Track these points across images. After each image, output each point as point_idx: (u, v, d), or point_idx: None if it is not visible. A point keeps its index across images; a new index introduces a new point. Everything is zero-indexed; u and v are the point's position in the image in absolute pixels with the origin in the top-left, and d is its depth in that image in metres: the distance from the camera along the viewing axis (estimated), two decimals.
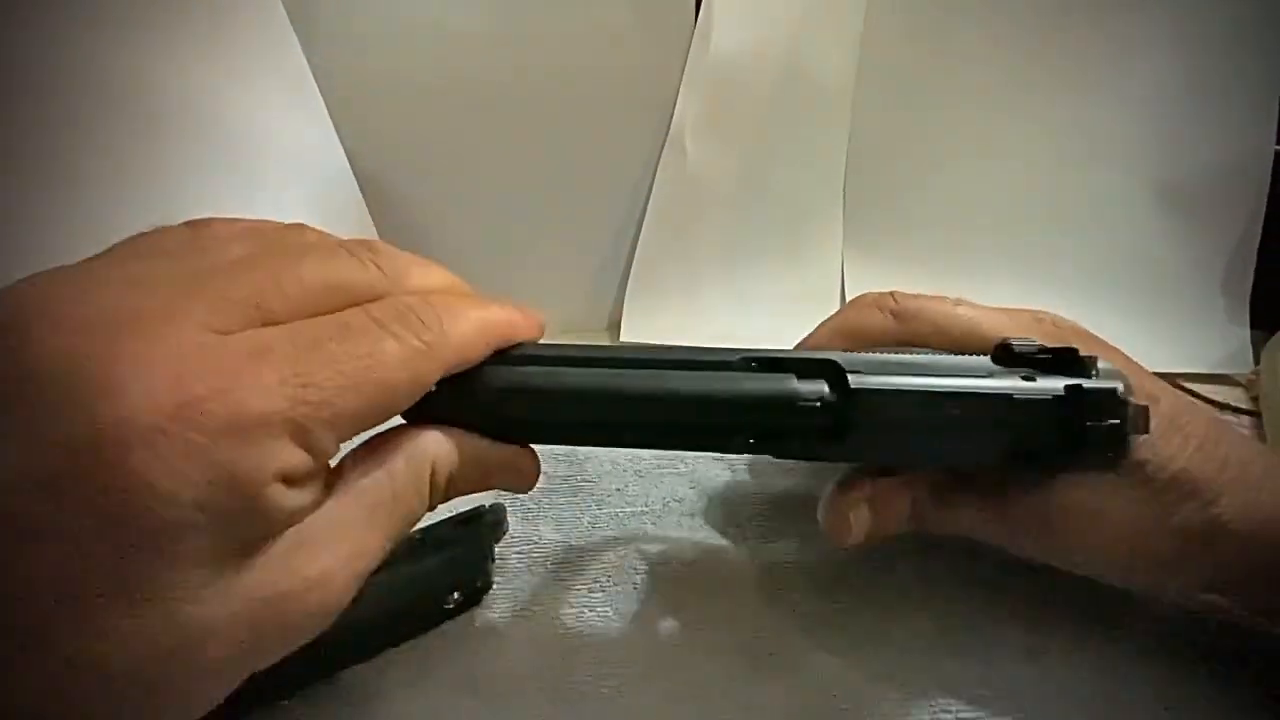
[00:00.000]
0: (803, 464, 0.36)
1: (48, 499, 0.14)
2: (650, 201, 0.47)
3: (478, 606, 0.30)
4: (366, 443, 0.20)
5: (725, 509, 0.34)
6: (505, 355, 0.22)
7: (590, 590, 0.30)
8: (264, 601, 0.16)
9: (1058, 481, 0.24)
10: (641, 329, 0.47)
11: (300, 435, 0.16)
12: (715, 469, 0.37)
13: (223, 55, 0.36)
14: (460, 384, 0.21)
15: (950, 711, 0.26)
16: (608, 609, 0.30)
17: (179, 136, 0.34)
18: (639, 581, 0.31)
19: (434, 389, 0.20)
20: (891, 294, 0.28)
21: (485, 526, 0.31)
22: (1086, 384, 0.22)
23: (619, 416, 0.23)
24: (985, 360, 0.23)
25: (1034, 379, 0.22)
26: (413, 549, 0.30)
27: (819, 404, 0.22)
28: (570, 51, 0.44)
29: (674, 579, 0.31)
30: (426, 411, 0.20)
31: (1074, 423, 0.22)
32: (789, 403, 0.22)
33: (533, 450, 0.24)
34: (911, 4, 0.48)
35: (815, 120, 0.49)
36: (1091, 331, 0.27)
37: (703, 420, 0.23)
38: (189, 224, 0.19)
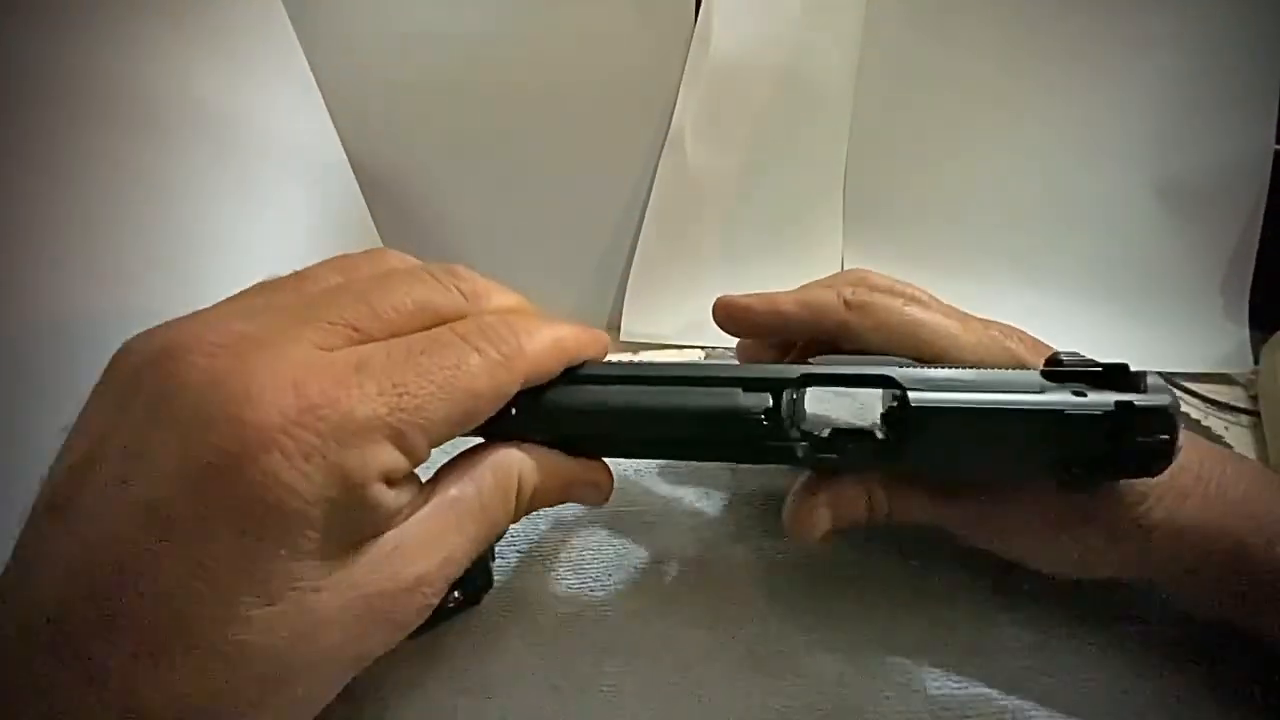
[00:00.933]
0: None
1: (197, 496, 0.16)
2: (650, 201, 0.47)
3: (477, 605, 0.30)
4: (455, 458, 0.22)
5: (725, 509, 0.34)
6: (573, 374, 0.24)
7: (590, 589, 0.30)
8: (370, 597, 0.18)
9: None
10: (641, 329, 0.47)
11: (398, 438, 0.18)
12: (715, 468, 0.37)
13: (223, 55, 0.36)
14: (536, 403, 0.23)
15: (951, 710, 0.26)
16: (608, 608, 0.30)
17: (179, 135, 0.34)
18: (639, 581, 0.31)
19: (513, 411, 0.21)
20: (864, 278, 0.29)
21: None
22: (1138, 400, 0.22)
23: (677, 432, 0.24)
24: (1035, 375, 0.23)
25: (1084, 394, 0.22)
26: None
27: (763, 416, 0.23)
28: (570, 51, 0.44)
29: (674, 578, 0.31)
30: (506, 430, 0.22)
31: (1125, 437, 0.22)
32: (734, 416, 0.23)
33: (606, 464, 0.25)
34: (911, 3, 0.48)
35: (815, 120, 0.49)
36: (1042, 340, 0.28)
37: (667, 434, 0.24)
38: (293, 273, 0.22)
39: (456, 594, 0.29)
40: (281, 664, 0.17)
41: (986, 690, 0.26)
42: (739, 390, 0.23)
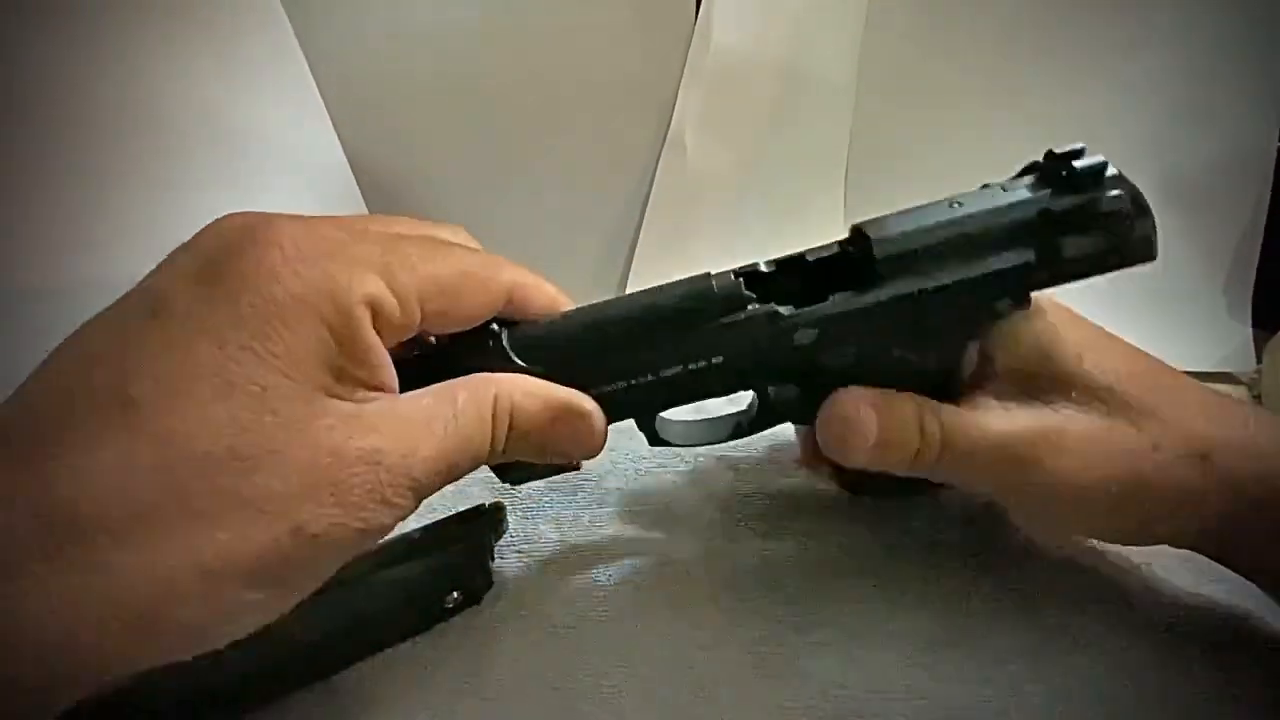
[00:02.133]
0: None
1: (194, 284, 0.18)
2: (650, 200, 0.47)
3: (477, 605, 0.30)
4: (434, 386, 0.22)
5: (725, 508, 0.34)
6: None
7: (590, 589, 0.30)
8: (318, 449, 0.18)
9: (1058, 418, 0.25)
10: None
11: (388, 275, 0.19)
12: (716, 468, 0.37)
13: (223, 55, 0.36)
14: (516, 334, 0.24)
15: (951, 710, 0.26)
16: (608, 608, 0.29)
17: (179, 135, 0.34)
18: (639, 581, 0.31)
19: (490, 343, 0.23)
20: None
21: (485, 525, 0.31)
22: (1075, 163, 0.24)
23: (656, 329, 0.25)
24: (1005, 193, 0.25)
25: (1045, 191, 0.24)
26: (413, 548, 0.30)
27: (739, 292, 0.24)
28: (570, 51, 0.44)
29: (674, 578, 0.31)
30: (489, 366, 0.23)
31: (1081, 207, 0.24)
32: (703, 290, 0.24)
33: (596, 403, 0.24)
34: (912, 1, 0.48)
35: (816, 118, 0.49)
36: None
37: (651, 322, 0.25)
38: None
39: (456, 594, 0.29)
40: (214, 470, 0.17)
41: (987, 691, 0.26)
42: (710, 282, 0.25)
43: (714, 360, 0.25)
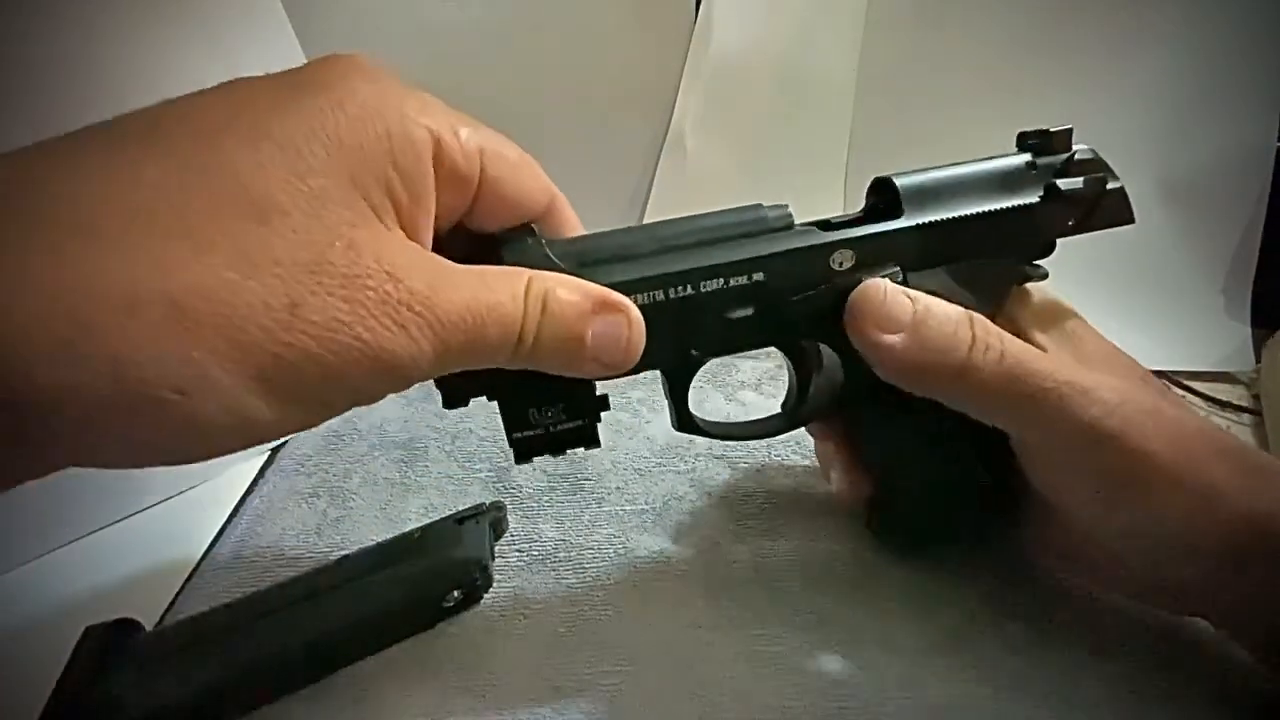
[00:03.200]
0: (803, 463, 0.37)
1: (282, 78, 0.19)
2: (650, 200, 0.47)
3: (478, 605, 0.30)
4: None
5: (725, 508, 0.34)
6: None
7: (590, 588, 0.30)
8: (321, 248, 0.17)
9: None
10: None
11: (455, 123, 0.20)
12: (715, 468, 0.37)
13: (222, 54, 0.36)
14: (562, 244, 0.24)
15: (951, 710, 0.26)
16: (607, 607, 0.30)
17: None
18: (639, 580, 0.31)
19: (535, 241, 0.24)
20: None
21: (486, 525, 0.31)
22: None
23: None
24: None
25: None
26: (413, 547, 0.30)
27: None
28: (570, 51, 0.44)
29: (674, 578, 0.31)
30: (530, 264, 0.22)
31: (1064, 157, 0.27)
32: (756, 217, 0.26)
33: (636, 309, 0.23)
34: (912, 2, 0.48)
35: (816, 119, 0.49)
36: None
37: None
38: None
39: (456, 594, 0.29)
40: (224, 204, 0.17)
41: (986, 690, 0.26)
42: (761, 206, 0.26)
43: (754, 277, 0.25)
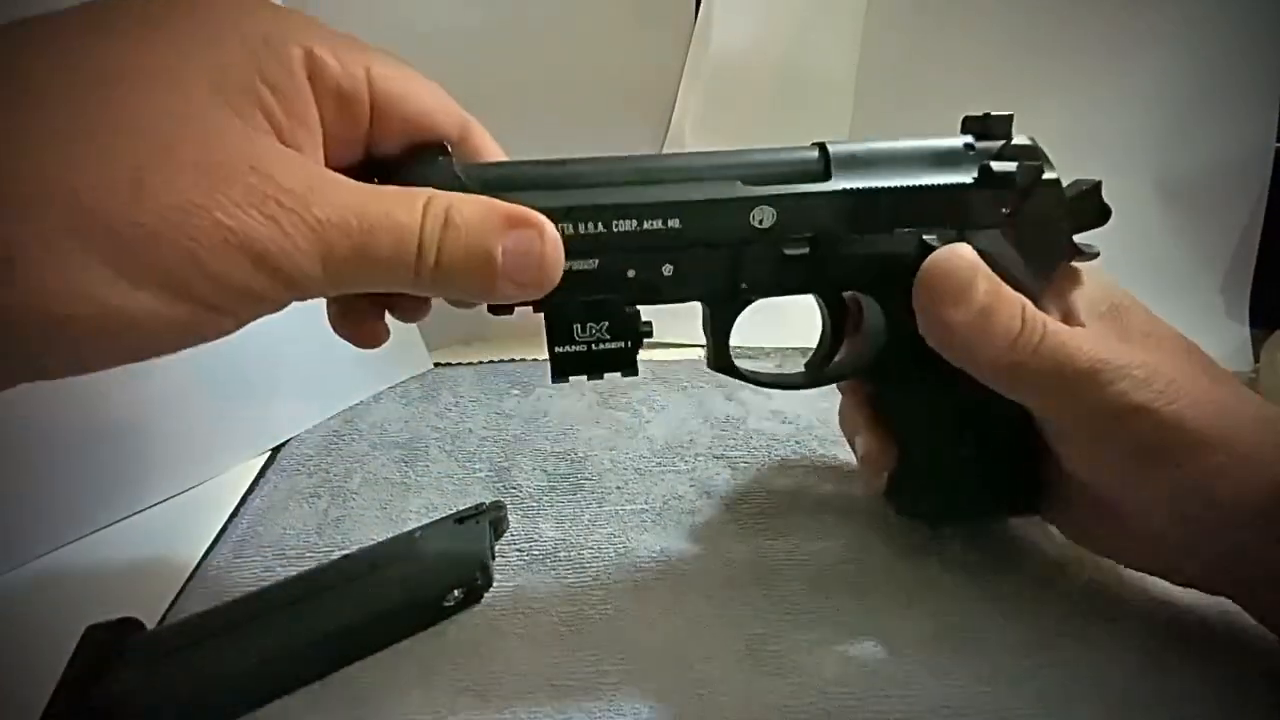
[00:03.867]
0: (802, 464, 0.37)
1: None
2: None
3: (478, 604, 0.30)
4: None
5: (725, 507, 0.34)
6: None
7: (590, 588, 0.30)
8: (201, 129, 0.17)
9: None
10: None
11: (334, 41, 0.20)
12: (715, 468, 0.37)
13: None
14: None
15: (951, 709, 0.26)
16: (607, 607, 0.30)
17: None
18: (639, 580, 0.31)
19: (445, 160, 0.23)
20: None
21: (486, 524, 0.31)
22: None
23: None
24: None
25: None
26: (413, 547, 0.30)
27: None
28: (570, 51, 0.44)
29: (674, 577, 0.31)
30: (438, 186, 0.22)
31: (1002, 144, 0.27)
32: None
33: (551, 224, 0.22)
34: (912, 2, 0.48)
35: (816, 116, 0.49)
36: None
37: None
38: None
39: (457, 593, 0.29)
40: (80, 84, 0.16)
41: (986, 689, 0.26)
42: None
43: (670, 223, 0.25)
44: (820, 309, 0.30)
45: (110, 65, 0.17)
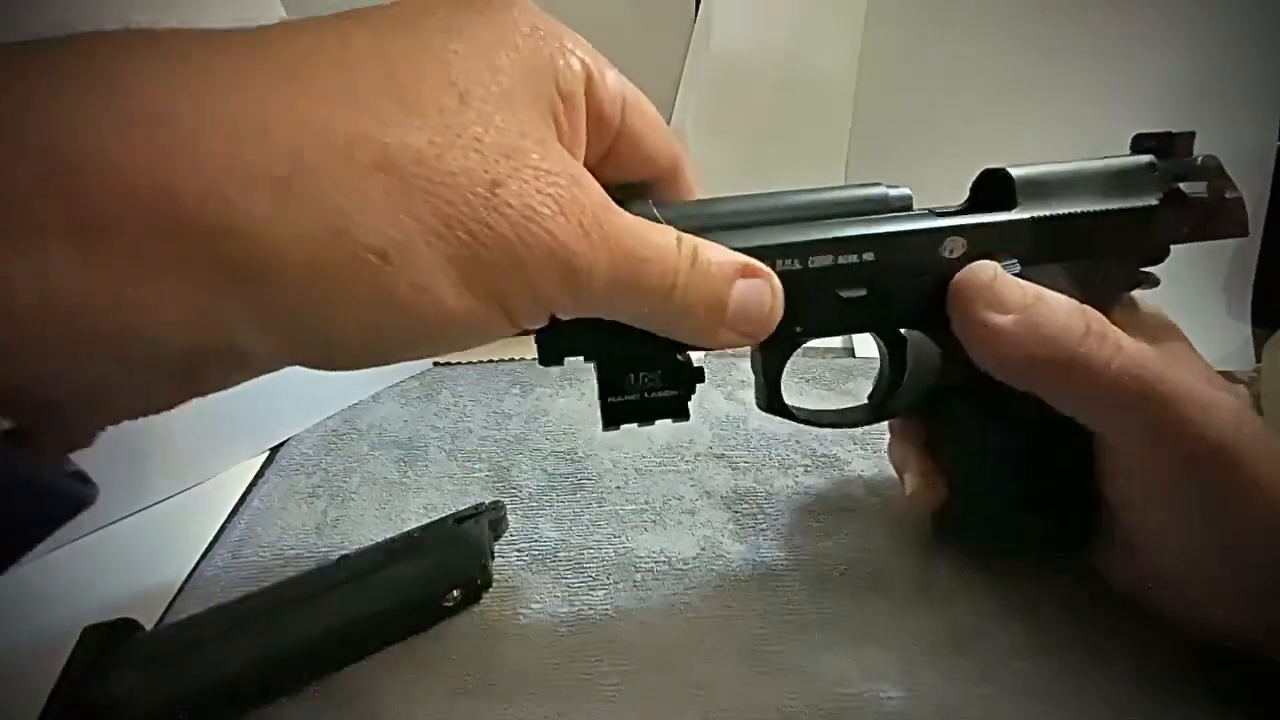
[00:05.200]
0: (802, 463, 0.37)
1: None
2: None
3: (477, 604, 0.30)
4: None
5: (725, 508, 0.34)
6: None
7: (590, 588, 0.30)
8: (518, 130, 0.18)
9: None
10: None
11: (601, 66, 0.21)
12: (715, 468, 0.37)
13: None
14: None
15: (951, 710, 0.26)
16: (607, 607, 0.30)
17: None
18: (639, 580, 0.31)
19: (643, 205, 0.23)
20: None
21: (485, 524, 0.31)
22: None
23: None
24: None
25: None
26: (413, 547, 0.30)
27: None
28: None
29: (674, 578, 0.31)
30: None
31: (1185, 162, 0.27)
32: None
33: (775, 276, 0.23)
34: (912, 1, 0.48)
35: (816, 117, 0.49)
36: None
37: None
38: None
39: (456, 593, 0.29)
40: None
41: (987, 690, 0.26)
42: (882, 185, 0.26)
43: (864, 257, 0.25)
44: (879, 346, 0.30)
45: (457, 68, 0.17)
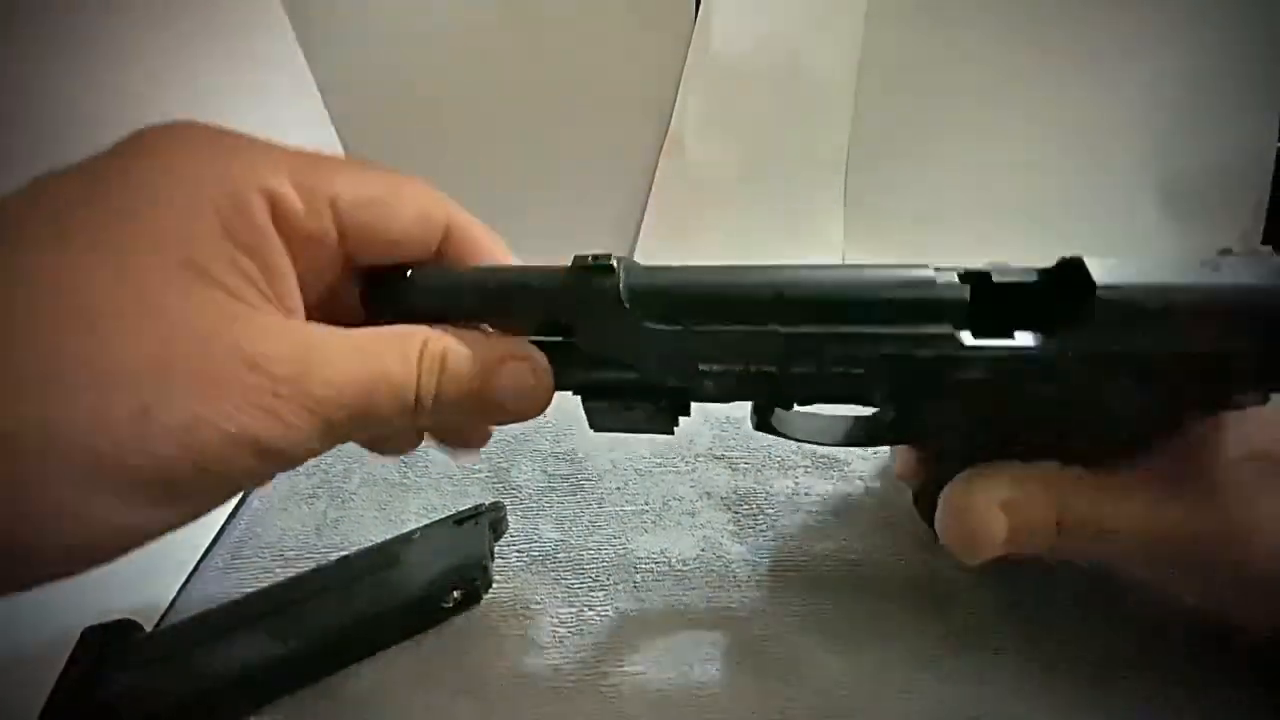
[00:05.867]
0: (803, 464, 0.36)
1: (112, 160, 0.18)
2: (650, 199, 0.47)
3: (477, 605, 0.30)
4: None
5: (725, 508, 0.34)
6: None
7: (590, 589, 0.30)
8: (189, 333, 0.17)
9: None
10: None
11: (297, 175, 0.19)
12: (715, 468, 0.37)
13: (223, 55, 0.36)
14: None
15: (951, 710, 0.26)
16: (607, 608, 0.29)
17: None
18: (639, 580, 0.31)
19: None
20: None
21: (485, 525, 0.31)
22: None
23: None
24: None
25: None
26: (413, 547, 0.30)
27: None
28: (570, 50, 0.44)
29: (674, 578, 0.31)
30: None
31: None
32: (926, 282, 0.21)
33: (541, 354, 0.23)
34: (911, 3, 0.48)
35: (816, 117, 0.49)
36: None
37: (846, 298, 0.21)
38: None
39: (456, 594, 0.29)
40: (60, 324, 0.16)
41: (986, 690, 0.26)
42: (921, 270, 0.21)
43: (853, 370, 0.22)
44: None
45: (83, 293, 0.16)
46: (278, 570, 0.32)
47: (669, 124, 0.46)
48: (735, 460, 0.37)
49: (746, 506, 0.34)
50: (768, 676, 0.27)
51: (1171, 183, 0.47)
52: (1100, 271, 0.20)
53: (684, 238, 0.47)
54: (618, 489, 0.35)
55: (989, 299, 0.21)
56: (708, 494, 0.35)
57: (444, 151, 0.44)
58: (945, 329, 0.21)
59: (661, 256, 0.47)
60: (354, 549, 0.31)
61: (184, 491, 0.17)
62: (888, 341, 0.21)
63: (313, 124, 0.40)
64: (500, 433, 0.40)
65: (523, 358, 0.22)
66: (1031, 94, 0.48)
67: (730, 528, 0.33)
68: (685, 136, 0.46)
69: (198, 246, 0.17)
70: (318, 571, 0.29)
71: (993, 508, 0.22)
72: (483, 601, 0.30)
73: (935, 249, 0.49)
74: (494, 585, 0.30)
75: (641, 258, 0.46)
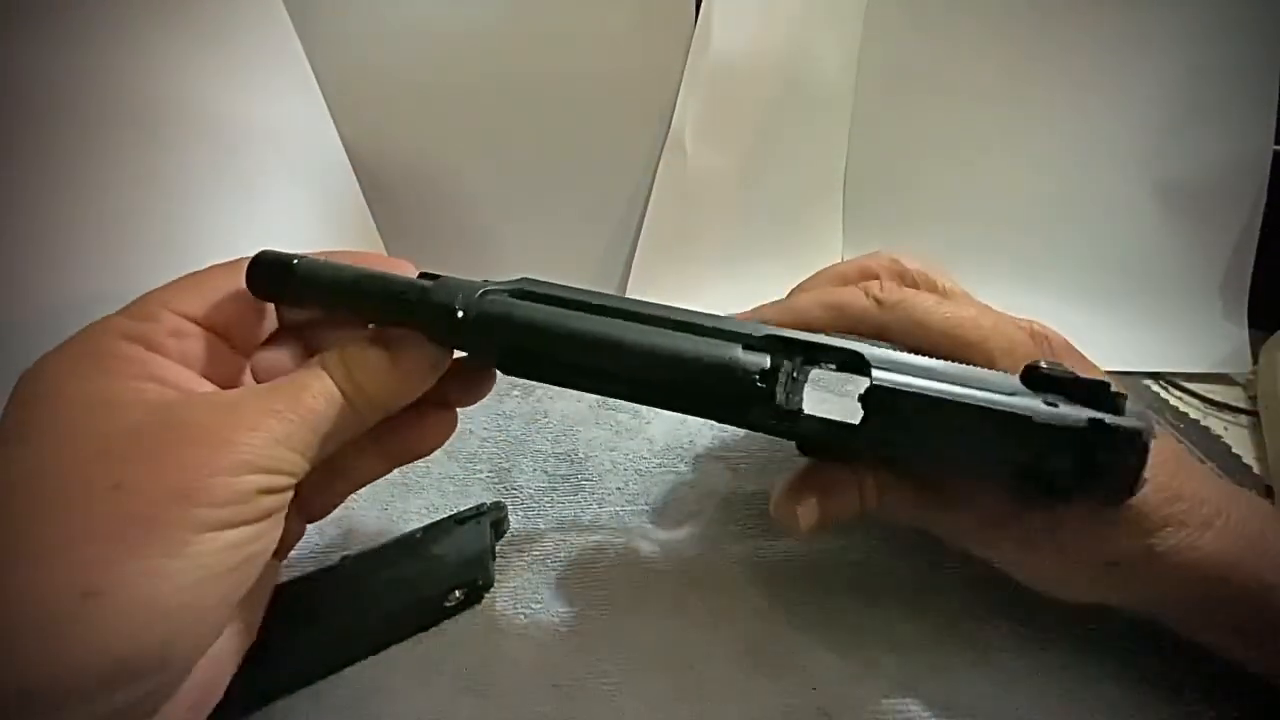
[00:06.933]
0: (803, 464, 0.37)
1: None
2: (650, 202, 0.47)
3: (479, 605, 0.30)
4: None
5: (725, 508, 0.34)
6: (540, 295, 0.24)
7: (591, 589, 0.30)
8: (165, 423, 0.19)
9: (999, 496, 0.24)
10: None
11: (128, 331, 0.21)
12: (715, 468, 0.37)
13: (223, 54, 0.36)
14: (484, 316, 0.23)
15: (951, 710, 0.26)
16: (608, 607, 0.30)
17: (179, 135, 0.34)
18: (639, 580, 0.31)
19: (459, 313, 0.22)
20: (896, 267, 0.28)
21: (487, 525, 0.31)
22: (1110, 420, 0.21)
23: (656, 375, 0.22)
24: (1013, 379, 0.23)
25: (1058, 405, 0.21)
26: (413, 547, 0.30)
27: (758, 376, 0.22)
28: (570, 52, 0.44)
29: (674, 578, 0.31)
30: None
31: (1093, 456, 0.21)
32: (728, 370, 0.22)
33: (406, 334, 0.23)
34: (911, 4, 0.48)
35: (815, 120, 0.49)
36: (1074, 344, 0.27)
37: (657, 377, 0.22)
38: None
39: (457, 593, 0.29)
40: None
41: (986, 689, 0.26)
42: (738, 347, 0.22)
43: (676, 403, 0.24)
44: None
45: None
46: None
47: (669, 126, 0.46)
48: (735, 460, 0.37)
49: (746, 506, 0.34)
50: (768, 677, 0.27)
51: (1170, 183, 0.47)
52: (880, 363, 0.22)
53: (684, 239, 0.47)
54: (618, 489, 0.36)
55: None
56: (708, 494, 0.35)
57: (445, 151, 0.44)
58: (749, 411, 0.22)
59: (662, 257, 0.47)
60: (355, 549, 0.31)
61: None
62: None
63: (313, 123, 0.40)
64: (501, 433, 0.40)
65: (413, 342, 0.23)
66: (1031, 95, 0.48)
67: (730, 527, 0.33)
68: (685, 138, 0.46)
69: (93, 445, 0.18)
70: (318, 571, 0.29)
71: (809, 498, 0.26)
72: (484, 601, 0.30)
73: (934, 251, 0.49)
74: (495, 584, 0.30)
75: (642, 258, 0.47)
